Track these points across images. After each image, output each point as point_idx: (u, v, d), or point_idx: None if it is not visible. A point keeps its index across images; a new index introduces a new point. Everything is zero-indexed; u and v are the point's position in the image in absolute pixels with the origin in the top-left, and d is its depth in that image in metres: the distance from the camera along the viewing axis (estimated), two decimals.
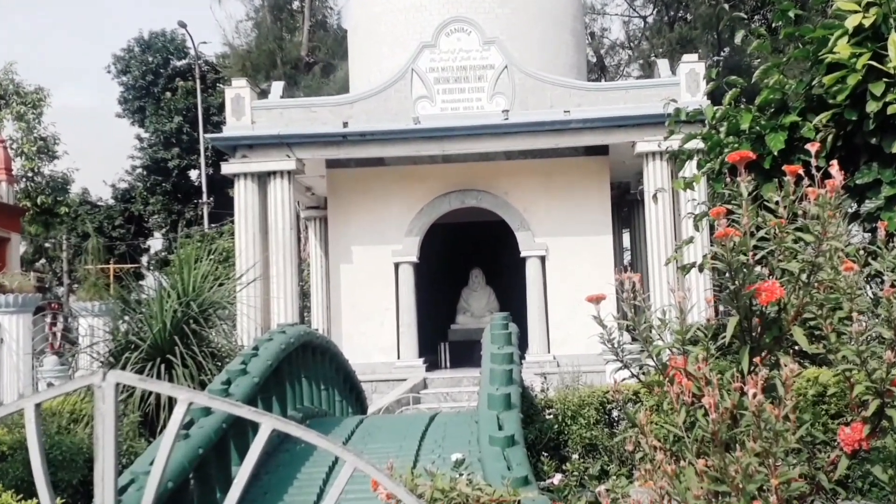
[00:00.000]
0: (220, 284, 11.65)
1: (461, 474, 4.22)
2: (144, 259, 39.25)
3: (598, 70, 35.77)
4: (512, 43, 18.64)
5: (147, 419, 9.76)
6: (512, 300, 20.65)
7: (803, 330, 3.24)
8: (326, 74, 34.92)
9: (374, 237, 19.35)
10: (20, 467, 7.23)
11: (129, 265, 27.94)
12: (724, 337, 3.29)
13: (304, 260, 27.69)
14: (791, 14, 4.93)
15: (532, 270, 19.18)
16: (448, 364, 20.37)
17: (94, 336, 12.90)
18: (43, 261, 38.05)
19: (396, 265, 19.29)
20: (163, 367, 10.01)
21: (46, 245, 37.46)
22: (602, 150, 18.90)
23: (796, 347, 3.26)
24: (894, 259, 3.16)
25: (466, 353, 18.97)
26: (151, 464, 4.56)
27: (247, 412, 2.30)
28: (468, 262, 22.50)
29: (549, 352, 18.76)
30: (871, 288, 3.61)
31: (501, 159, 19.21)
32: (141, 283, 14.63)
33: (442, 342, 20.81)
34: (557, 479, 7.13)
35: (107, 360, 10.58)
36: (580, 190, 19.22)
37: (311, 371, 9.36)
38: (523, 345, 17.87)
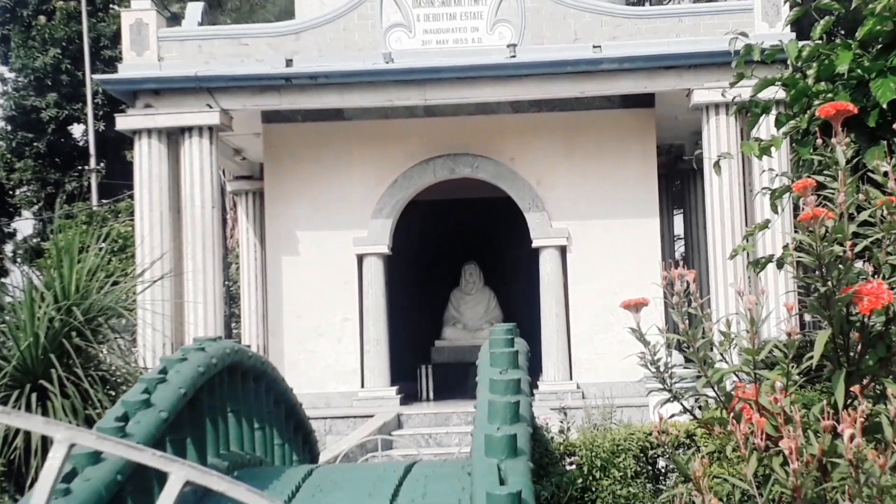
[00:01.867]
0: (115, 283, 11.60)
1: None
2: (9, 248, 39.01)
3: None
4: None
5: (12, 469, 9.73)
6: (520, 307, 20.67)
7: None
8: None
9: (329, 219, 19.34)
10: None
11: None
12: (811, 358, 3.31)
13: (232, 250, 27.64)
14: None
15: (548, 266, 19.21)
16: (431, 395, 20.43)
17: None
18: None
19: (360, 258, 19.27)
20: (34, 396, 9.98)
21: None
22: (645, 101, 18.93)
23: None
24: None
25: (457, 380, 18.97)
26: None
27: (151, 458, 2.29)
28: (460, 255, 22.54)
29: (570, 378, 18.80)
30: None
31: (507, 112, 19.21)
32: (3, 280, 14.59)
33: (423, 365, 20.89)
34: None
35: None
36: (615, 156, 19.24)
37: (240, 404, 9.32)
38: (536, 368, 17.95)
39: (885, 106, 4.71)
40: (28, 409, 9.75)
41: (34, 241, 36.96)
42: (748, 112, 6.07)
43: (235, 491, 2.25)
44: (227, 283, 25.52)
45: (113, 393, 10.23)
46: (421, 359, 21.03)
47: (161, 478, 2.33)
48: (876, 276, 3.26)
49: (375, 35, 18.27)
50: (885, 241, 3.29)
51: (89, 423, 9.60)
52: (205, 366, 8.23)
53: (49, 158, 37.89)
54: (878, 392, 3.27)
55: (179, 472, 2.22)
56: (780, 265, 4.38)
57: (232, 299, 27.64)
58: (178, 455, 7.54)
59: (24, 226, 39.97)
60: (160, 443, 7.11)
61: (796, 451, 2.82)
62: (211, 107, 17.89)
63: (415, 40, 18.32)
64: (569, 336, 19.12)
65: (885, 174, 3.39)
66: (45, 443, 9.25)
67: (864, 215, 3.30)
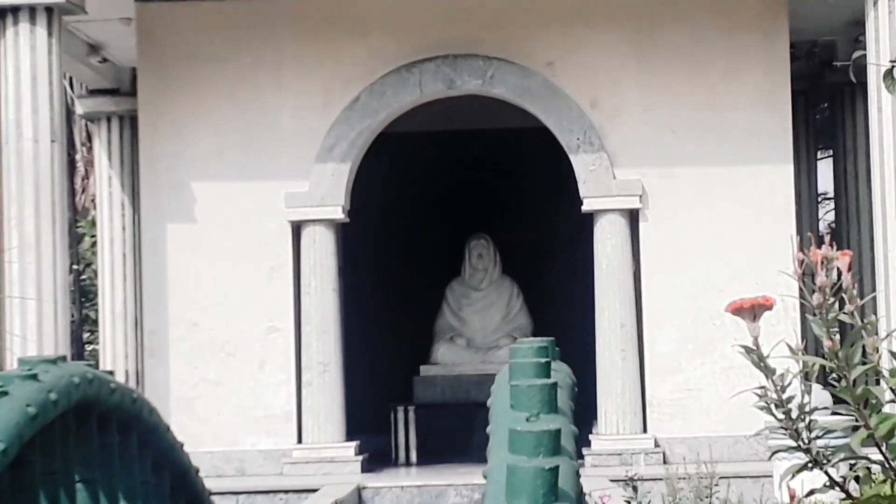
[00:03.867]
0: None
1: None
2: None
3: None
4: None
5: None
6: (561, 311, 20.78)
7: None
8: None
9: (244, 162, 19.39)
10: None
11: None
12: None
13: (85, 213, 27.65)
14: None
15: (609, 244, 19.24)
16: (414, 456, 20.55)
17: None
18: None
19: (297, 227, 19.31)
20: None
21: None
22: None
23: None
24: None
25: (455, 431, 19.07)
26: None
27: None
28: (463, 226, 22.57)
29: (644, 430, 18.88)
30: None
31: None
32: None
33: (401, 406, 20.97)
34: None
35: None
36: (721, 61, 19.32)
37: (97, 468, 9.35)
38: (588, 412, 17.98)
39: None
40: None
41: None
42: None
43: None
44: (76, 267, 25.50)
45: None
46: (397, 396, 21.14)
47: None
48: None
49: None
50: None
51: None
52: (38, 405, 8.25)
53: None
54: None
55: None
56: None
57: (84, 295, 27.65)
58: None
59: None
60: None
61: None
62: None
63: None
64: (642, 360, 19.20)
65: None
66: None
67: None
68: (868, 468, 3.69)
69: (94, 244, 24.86)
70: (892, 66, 6.45)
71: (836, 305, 3.54)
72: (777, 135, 19.42)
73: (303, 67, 19.52)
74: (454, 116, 20.13)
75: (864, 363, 3.55)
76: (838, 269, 3.54)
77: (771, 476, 14.86)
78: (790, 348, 3.67)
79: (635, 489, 10.95)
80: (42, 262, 17.92)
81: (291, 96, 19.45)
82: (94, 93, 23.35)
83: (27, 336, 17.64)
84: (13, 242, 17.86)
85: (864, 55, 16.84)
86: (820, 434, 3.70)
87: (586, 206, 19.30)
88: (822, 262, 3.57)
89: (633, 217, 19.25)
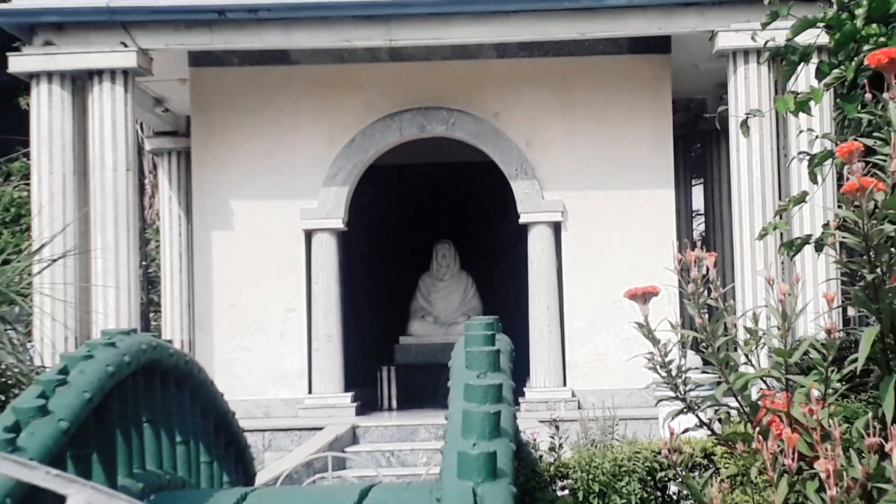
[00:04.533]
0: (6, 262, 11.55)
1: None
2: None
3: None
4: None
5: None
6: (504, 296, 20.73)
7: None
8: None
9: (270, 187, 19.31)
10: None
11: None
12: (855, 360, 3.32)
13: (152, 224, 27.51)
14: None
15: (539, 247, 19.22)
16: (394, 404, 20.58)
17: None
18: None
19: (308, 234, 19.25)
20: None
21: None
22: (660, 46, 18.94)
23: None
24: None
25: (425, 386, 19.04)
26: None
27: (45, 478, 2.28)
28: (432, 233, 22.53)
29: (564, 384, 18.86)
30: None
31: (490, 57, 19.21)
32: None
33: (385, 367, 21.01)
34: None
35: None
36: (622, 112, 19.27)
37: (159, 413, 9.30)
38: (522, 372, 17.94)
39: None
40: None
41: None
42: (783, 60, 6.08)
43: None
44: (144, 263, 25.42)
45: (2, 397, 10.18)
46: (382, 359, 21.13)
47: (58, 502, 2.32)
48: None
49: None
50: None
51: None
52: (115, 365, 8.19)
53: None
54: None
55: (80, 496, 2.20)
56: (818, 248, 4.40)
57: (150, 284, 27.55)
58: (81, 474, 7.50)
59: None
60: (59, 459, 7.07)
61: (835, 475, 2.84)
62: (126, 45, 17.74)
63: None
64: (563, 333, 19.17)
65: None
66: None
67: None
68: (728, 413, 3.68)
69: (157, 246, 24.71)
70: (747, 117, 6.46)
71: (705, 293, 3.53)
72: (663, 168, 19.41)
73: (313, 116, 19.44)
74: (425, 153, 20.06)
75: (725, 335, 3.55)
76: (707, 266, 3.54)
77: (657, 419, 14.86)
78: (671, 325, 3.67)
79: (557, 428, 10.87)
80: (119, 260, 17.82)
81: (304, 138, 19.37)
82: (158, 134, 23.26)
83: (108, 314, 17.54)
84: (97, 245, 17.75)
85: (727, 109, 16.84)
86: (692, 387, 3.70)
87: (522, 220, 19.26)
88: (695, 261, 3.56)
89: (556, 228, 19.20)
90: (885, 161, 3.38)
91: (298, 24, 17.80)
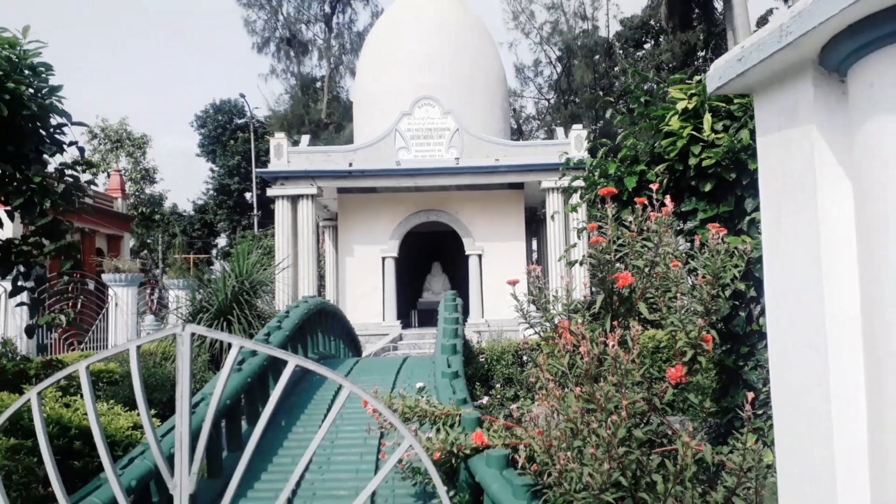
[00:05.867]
0: (264, 269, 11.48)
1: (422, 397, 4.22)
2: (213, 252, 38.42)
3: (517, 133, 36.19)
4: (462, 112, 18.60)
5: (213, 358, 9.59)
6: (460, 283, 20.67)
7: (646, 305, 3.30)
8: (338, 131, 34.67)
9: (368, 239, 19.20)
10: (127, 389, 7.26)
11: (203, 255, 27.75)
12: (595, 308, 3.33)
13: (321, 254, 27.36)
14: (642, 99, 5.02)
15: (473, 264, 19.21)
16: (417, 324, 20.24)
17: (178, 303, 12.75)
18: (145, 252, 37.03)
19: (383, 259, 19.17)
20: (224, 323, 9.85)
21: (147, 241, 36.52)
22: (520, 186, 18.98)
23: (641, 316, 3.32)
24: (705, 260, 3.24)
25: (429, 318, 18.94)
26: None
27: (279, 353, 2.27)
28: (431, 257, 22.46)
29: (483, 317, 18.79)
30: (690, 279, 3.70)
31: (454, 190, 19.18)
32: (211, 267, 14.36)
33: (413, 310, 20.68)
34: (485, 400, 7.18)
35: (186, 319, 10.37)
36: (505, 211, 19.30)
37: (324, 327, 9.27)
38: (467, 312, 17.89)
39: (630, 189, 4.77)
40: (221, 329, 9.60)
41: (226, 248, 36.54)
42: (567, 191, 6.12)
43: (321, 370, 2.23)
44: (318, 270, 25.28)
45: (263, 322, 10.12)
46: (412, 307, 20.82)
47: (284, 364, 2.31)
48: (625, 270, 3.29)
49: (391, 152, 18.18)
50: (630, 253, 3.33)
51: (251, 336, 9.49)
52: (307, 309, 8.15)
53: (234, 209, 37.58)
54: (626, 325, 3.30)
55: (293, 361, 2.19)
56: (581, 264, 4.39)
57: (321, 277, 27.31)
58: (293, 352, 7.47)
59: (221, 241, 39.44)
60: (285, 346, 7.02)
61: (587, 353, 2.84)
62: (312, 185, 17.67)
63: (410, 155, 18.26)
64: (482, 297, 19.03)
65: (630, 222, 3.43)
66: (229, 346, 9.15)
67: (620, 241, 3.33)
68: (546, 328, 3.63)
69: (323, 263, 24.46)
70: (553, 214, 6.49)
71: (537, 281, 3.51)
72: (520, 233, 19.31)
73: (385, 213, 19.29)
74: (429, 227, 20.05)
75: (544, 299, 3.50)
76: (537, 272, 3.52)
77: (518, 331, 14.80)
78: (525, 295, 3.62)
79: (480, 335, 10.84)
80: (309, 268, 17.57)
81: (383, 221, 19.26)
82: (325, 220, 22.92)
83: (305, 290, 17.30)
84: (300, 263, 17.52)
85: (545, 210, 16.87)
86: (533, 319, 3.66)
87: (467, 253, 19.12)
88: (533, 270, 3.55)
89: (480, 257, 19.13)
90: (606, 231, 3.36)
91: (380, 177, 17.82)
